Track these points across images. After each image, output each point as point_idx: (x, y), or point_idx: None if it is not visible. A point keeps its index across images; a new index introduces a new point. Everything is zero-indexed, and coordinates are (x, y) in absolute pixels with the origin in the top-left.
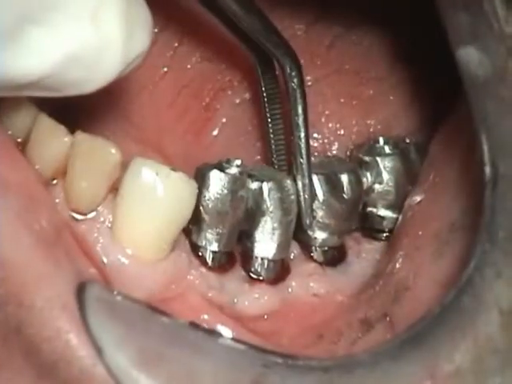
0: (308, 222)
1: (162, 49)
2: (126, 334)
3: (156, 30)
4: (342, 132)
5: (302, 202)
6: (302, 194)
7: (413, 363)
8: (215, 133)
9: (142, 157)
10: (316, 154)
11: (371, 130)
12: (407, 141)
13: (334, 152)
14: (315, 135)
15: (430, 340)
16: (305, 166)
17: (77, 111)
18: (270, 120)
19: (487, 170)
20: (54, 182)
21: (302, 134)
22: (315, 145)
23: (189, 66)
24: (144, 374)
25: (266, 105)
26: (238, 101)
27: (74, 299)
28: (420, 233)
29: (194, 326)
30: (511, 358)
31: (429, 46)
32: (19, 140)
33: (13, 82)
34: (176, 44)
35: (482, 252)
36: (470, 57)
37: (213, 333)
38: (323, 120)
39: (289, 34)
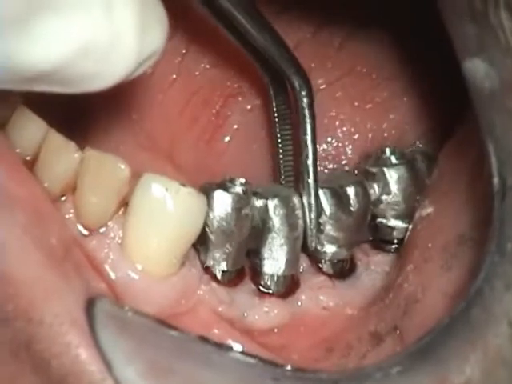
0: (313, 245)
1: (171, 56)
2: (135, 347)
3: None
4: (357, 136)
5: (308, 223)
6: (307, 214)
7: (422, 375)
8: (227, 139)
9: (153, 165)
10: (330, 158)
11: (385, 134)
12: (415, 148)
13: (349, 155)
14: (329, 139)
15: (439, 352)
16: (311, 186)
17: (87, 122)
18: (279, 139)
19: (495, 181)
20: (64, 198)
21: (310, 153)
22: (329, 149)
23: (197, 73)
24: None
25: (277, 124)
26: (249, 107)
27: (84, 314)
28: (429, 245)
29: (204, 339)
30: None
31: (440, 44)
32: (28, 158)
33: (23, 73)
34: (184, 51)
35: (491, 264)
36: (476, 68)
37: (222, 346)
38: (337, 124)
39: (297, 37)
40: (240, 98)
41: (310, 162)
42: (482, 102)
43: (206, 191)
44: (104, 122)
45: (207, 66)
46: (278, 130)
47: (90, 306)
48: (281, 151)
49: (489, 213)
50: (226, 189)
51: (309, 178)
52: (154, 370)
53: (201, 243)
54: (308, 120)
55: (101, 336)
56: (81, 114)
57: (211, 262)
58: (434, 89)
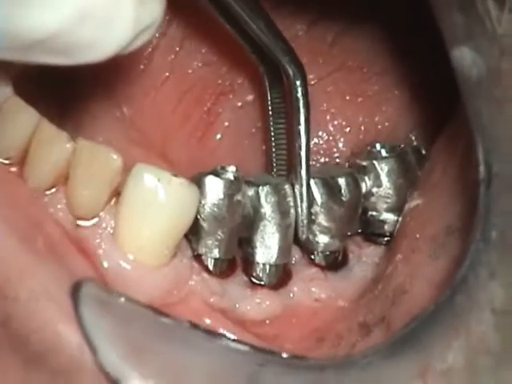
0: (304, 236)
1: (164, 53)
2: (117, 327)
3: (157, 35)
4: (348, 130)
5: (300, 212)
6: (299, 204)
7: (406, 362)
8: (219, 137)
9: (145, 161)
10: (322, 152)
11: (379, 126)
12: (406, 141)
13: (341, 148)
14: (320, 133)
15: (422, 339)
16: (304, 176)
17: (79, 117)
18: (272, 132)
19: (481, 169)
20: (55, 188)
21: (303, 144)
22: (321, 142)
23: (190, 71)
24: (135, 369)
25: (271, 117)
26: (239, 104)
27: (62, 291)
28: (417, 236)
29: (192, 324)
30: (504, 358)
31: (432, 38)
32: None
33: (22, 40)
34: (177, 48)
35: (475, 252)
36: (463, 57)
37: (209, 331)
38: (328, 118)
39: (291, 33)
40: (231, 96)
41: (302, 152)
42: (469, 91)
43: (198, 178)
44: (96, 118)
45: (200, 64)
46: (271, 123)
47: (76, 289)
48: (274, 144)
49: (476, 203)
50: (217, 175)
51: (301, 168)
52: (136, 350)
53: (193, 231)
54: (302, 110)
55: (84, 316)
56: (73, 109)
57: (203, 250)
58: (426, 82)
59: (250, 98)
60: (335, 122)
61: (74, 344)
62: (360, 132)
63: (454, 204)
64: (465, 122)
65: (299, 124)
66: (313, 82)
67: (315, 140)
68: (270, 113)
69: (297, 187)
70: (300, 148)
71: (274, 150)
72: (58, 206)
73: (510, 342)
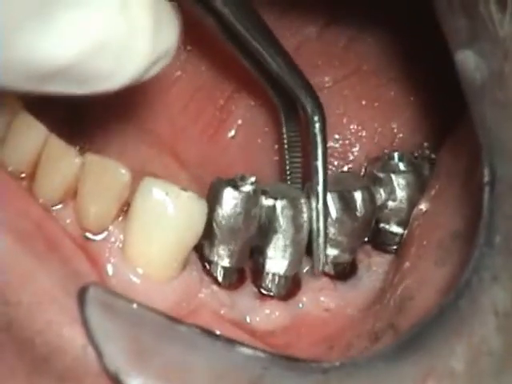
0: (321, 262)
1: (176, 52)
2: (121, 328)
3: None
4: (364, 134)
5: (315, 231)
6: (315, 223)
7: (409, 365)
8: (231, 134)
9: (156, 160)
10: (336, 154)
11: (395, 131)
12: (422, 153)
13: (356, 153)
14: (336, 137)
15: (426, 342)
16: (321, 212)
17: (91, 117)
18: (287, 162)
19: (486, 172)
20: (64, 203)
21: (321, 179)
22: (336, 146)
23: (202, 69)
24: (140, 372)
25: (286, 147)
26: (252, 102)
27: (67, 294)
28: (424, 242)
29: (198, 328)
30: (506, 360)
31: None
32: (23, 175)
33: (39, 69)
34: (189, 47)
35: (479, 255)
36: (467, 60)
37: (214, 334)
38: (344, 121)
39: (302, 36)
40: (244, 94)
41: (320, 188)
42: (473, 94)
43: (216, 188)
44: (108, 118)
45: (212, 63)
46: (286, 151)
47: (82, 291)
48: (288, 157)
49: (481, 208)
50: (236, 187)
51: (318, 203)
52: (141, 352)
53: (206, 238)
54: (320, 145)
55: (90, 319)
56: (85, 112)
57: (215, 258)
58: (441, 88)
59: (264, 97)
60: (351, 126)
61: (79, 346)
62: (375, 137)
63: (460, 210)
64: (470, 127)
65: (316, 159)
66: (328, 85)
67: (330, 143)
68: (286, 145)
69: (313, 204)
70: (317, 184)
71: (288, 161)
72: (67, 221)
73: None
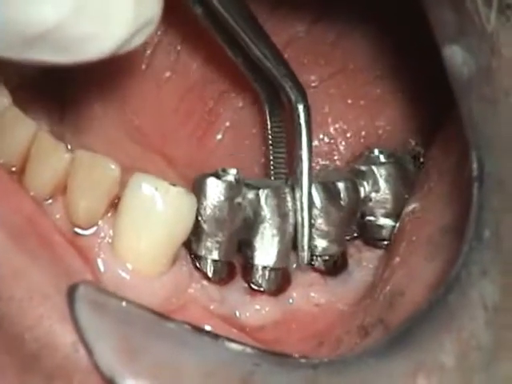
0: (306, 258)
1: (166, 52)
2: (111, 325)
3: (159, 33)
4: (350, 133)
5: (299, 221)
6: (299, 212)
7: (398, 361)
8: (219, 137)
9: (145, 159)
10: (322, 154)
11: (380, 130)
12: (405, 148)
13: (342, 151)
14: (321, 136)
15: (416, 337)
16: (305, 204)
17: (81, 118)
18: (272, 157)
19: (474, 168)
20: (53, 198)
21: (305, 169)
22: (321, 145)
23: (192, 70)
24: (130, 369)
25: (270, 137)
26: (241, 104)
27: (58, 291)
28: (414, 238)
29: (189, 325)
30: (495, 354)
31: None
32: (13, 169)
33: (22, 35)
34: (179, 47)
35: (468, 250)
36: (454, 55)
37: (204, 331)
38: (330, 120)
39: (290, 34)
40: (233, 95)
41: (304, 178)
42: (460, 90)
43: (200, 180)
44: (97, 116)
45: (202, 64)
46: (270, 142)
47: (72, 289)
48: (272, 152)
49: (470, 204)
50: (218, 177)
51: (302, 193)
52: (131, 350)
53: (193, 232)
54: (304, 137)
55: (80, 316)
56: (74, 111)
57: (203, 252)
58: (428, 86)
59: (252, 98)
60: (336, 125)
61: (69, 343)
62: (361, 135)
63: (450, 206)
64: (459, 123)
65: (301, 149)
66: (314, 84)
67: (316, 143)
68: (270, 137)
69: (298, 194)
70: (301, 173)
71: (272, 157)
72: (57, 216)
73: (501, 338)
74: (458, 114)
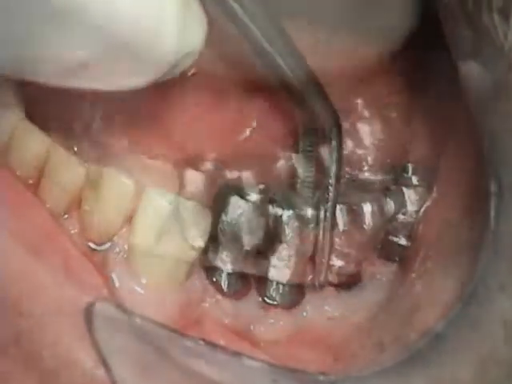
0: (322, 278)
1: None
2: (132, 347)
3: None
4: (377, 143)
5: (317, 260)
6: (321, 234)
7: (416, 378)
8: (244, 136)
9: (166, 157)
10: (349, 163)
11: (407, 144)
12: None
13: (369, 162)
14: (350, 144)
15: (434, 354)
16: (328, 227)
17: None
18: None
19: (491, 182)
20: (68, 214)
21: (331, 198)
22: (348, 154)
23: (217, 68)
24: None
25: (302, 156)
26: (268, 107)
27: (76, 308)
28: (430, 253)
29: (206, 342)
30: None
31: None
32: (30, 181)
33: (64, 64)
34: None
35: (486, 264)
36: (471, 71)
37: (222, 348)
38: (356, 130)
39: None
40: (259, 95)
41: (329, 206)
42: (477, 105)
43: (222, 195)
44: (120, 116)
45: (227, 63)
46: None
47: (90, 306)
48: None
49: (487, 218)
50: (243, 195)
51: (325, 220)
52: (149, 367)
53: (209, 245)
54: (334, 164)
55: (98, 333)
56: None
57: (218, 263)
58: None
59: (279, 99)
60: (364, 136)
61: (88, 360)
62: (388, 147)
63: (466, 220)
64: (473, 137)
65: (329, 177)
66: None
67: (345, 151)
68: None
69: (321, 216)
70: (327, 201)
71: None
72: (72, 232)
73: None
74: (472, 128)
